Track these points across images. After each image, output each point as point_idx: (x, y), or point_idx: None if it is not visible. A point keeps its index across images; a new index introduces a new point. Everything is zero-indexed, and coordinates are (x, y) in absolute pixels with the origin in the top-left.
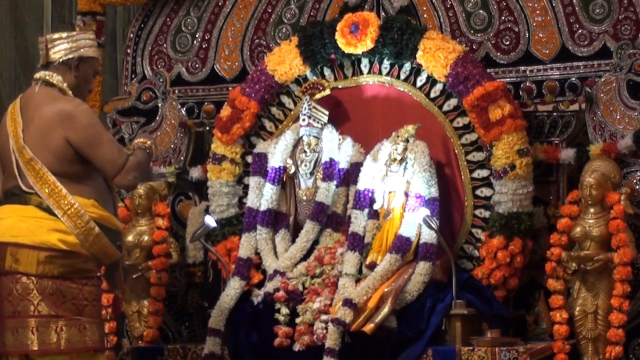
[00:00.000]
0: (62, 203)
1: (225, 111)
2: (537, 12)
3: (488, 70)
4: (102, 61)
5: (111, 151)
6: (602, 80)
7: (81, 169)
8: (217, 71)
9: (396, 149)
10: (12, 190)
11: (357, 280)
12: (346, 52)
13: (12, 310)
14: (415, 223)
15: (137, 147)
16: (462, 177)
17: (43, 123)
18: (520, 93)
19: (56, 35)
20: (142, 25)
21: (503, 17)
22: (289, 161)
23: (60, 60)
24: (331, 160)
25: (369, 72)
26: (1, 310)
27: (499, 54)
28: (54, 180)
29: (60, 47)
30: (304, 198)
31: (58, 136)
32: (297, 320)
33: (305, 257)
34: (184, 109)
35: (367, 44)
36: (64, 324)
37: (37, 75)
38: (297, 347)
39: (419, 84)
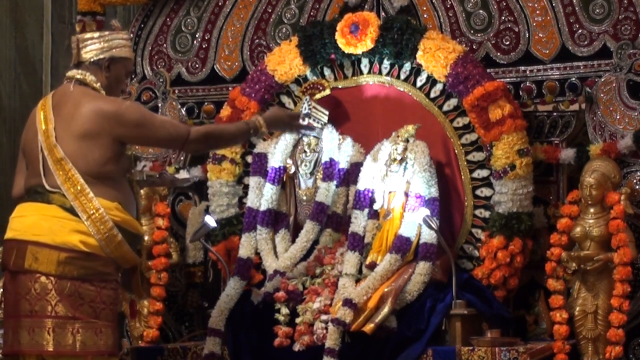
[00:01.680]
0: (87, 206)
1: (225, 111)
2: (537, 12)
3: (488, 70)
4: None
5: (167, 132)
6: (602, 80)
7: (112, 170)
8: (217, 71)
9: (396, 149)
10: (35, 188)
11: (357, 280)
12: (346, 52)
13: (29, 310)
14: (415, 223)
15: (244, 122)
16: (462, 177)
17: (85, 122)
18: (520, 93)
19: (88, 35)
20: (142, 25)
21: (503, 17)
22: (289, 161)
23: (92, 60)
24: (331, 160)
25: (369, 72)
26: (18, 309)
27: (499, 54)
28: (82, 183)
29: (92, 46)
30: (304, 198)
31: (105, 134)
32: (297, 320)
33: (305, 257)
34: (184, 109)
35: (367, 44)
36: (81, 327)
37: (69, 74)
38: (297, 347)
39: (419, 84)
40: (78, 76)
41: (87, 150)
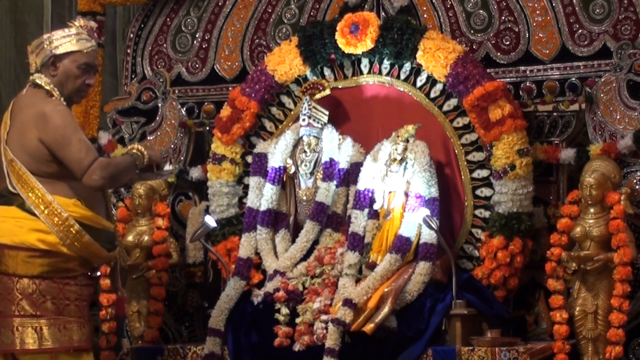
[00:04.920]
0: (40, 202)
1: (225, 111)
2: (537, 12)
3: (488, 70)
4: (100, 58)
5: (78, 151)
6: (602, 80)
7: (59, 169)
8: (217, 71)
9: (396, 149)
10: (1, 192)
11: (357, 280)
12: (346, 52)
13: None
14: (415, 223)
15: (126, 153)
16: (462, 177)
17: (21, 124)
18: (520, 93)
19: (36, 42)
20: (142, 25)
21: (503, 17)
22: (289, 161)
23: (42, 63)
24: (331, 160)
25: (369, 72)
26: None
27: (499, 54)
28: (33, 180)
29: (40, 50)
30: (304, 198)
31: (33, 137)
32: (297, 320)
33: (305, 257)
34: (184, 109)
35: (367, 44)
36: (44, 324)
37: (30, 79)
38: (297, 347)
39: (419, 84)
40: (35, 80)
41: (24, 152)
